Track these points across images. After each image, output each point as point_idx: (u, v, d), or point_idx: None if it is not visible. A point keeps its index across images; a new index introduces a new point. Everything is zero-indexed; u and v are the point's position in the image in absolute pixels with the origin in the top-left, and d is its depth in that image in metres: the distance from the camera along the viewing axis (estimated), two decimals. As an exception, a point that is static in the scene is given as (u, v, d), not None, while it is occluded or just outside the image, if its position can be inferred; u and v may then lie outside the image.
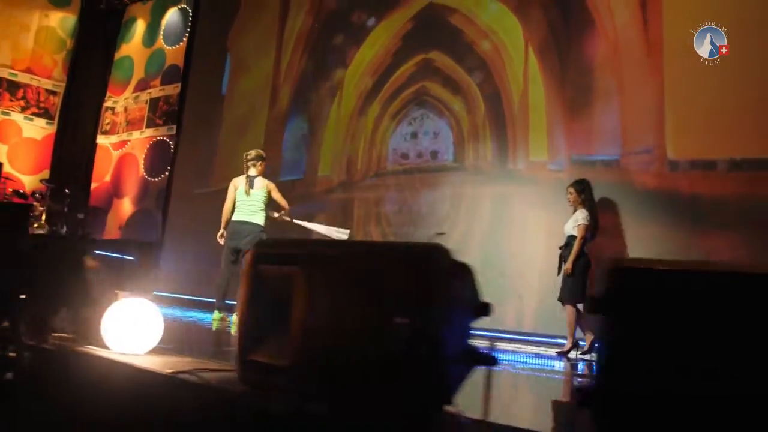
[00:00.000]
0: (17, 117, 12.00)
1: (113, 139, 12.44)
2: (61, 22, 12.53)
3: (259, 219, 6.26)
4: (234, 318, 6.00)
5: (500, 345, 6.78)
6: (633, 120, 6.56)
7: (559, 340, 6.20)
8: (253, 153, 6.48)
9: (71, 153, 12.46)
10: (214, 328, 5.96)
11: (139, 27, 12.59)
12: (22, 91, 12.06)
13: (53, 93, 12.41)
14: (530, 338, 6.74)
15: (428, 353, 1.66)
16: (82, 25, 12.68)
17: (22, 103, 12.01)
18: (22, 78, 12.09)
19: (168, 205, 11.06)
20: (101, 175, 12.43)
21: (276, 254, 1.90)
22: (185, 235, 10.67)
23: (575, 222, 6.08)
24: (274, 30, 10.19)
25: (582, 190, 6.17)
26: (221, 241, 6.37)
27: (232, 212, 6.32)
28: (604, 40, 6.83)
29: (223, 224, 6.37)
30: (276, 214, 6.52)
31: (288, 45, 9.95)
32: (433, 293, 1.75)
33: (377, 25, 8.85)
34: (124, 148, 12.16)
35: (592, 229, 6.07)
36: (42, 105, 12.27)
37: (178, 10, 11.87)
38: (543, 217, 6.91)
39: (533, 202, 7.07)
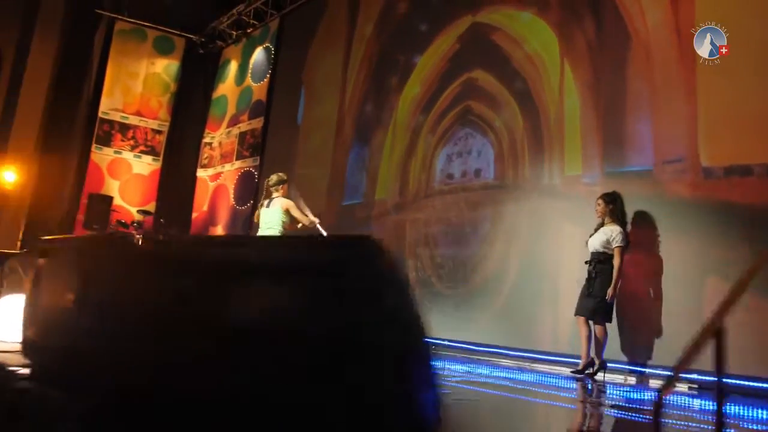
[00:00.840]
0: (128, 155, 13.35)
1: (210, 171, 13.45)
2: (166, 68, 13.84)
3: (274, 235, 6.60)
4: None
5: (537, 366, 6.60)
6: (665, 127, 6.21)
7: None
8: (274, 178, 6.86)
9: (174, 186, 13.62)
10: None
11: (233, 67, 13.60)
12: (131, 131, 13.41)
13: (159, 132, 13.68)
14: (567, 359, 6.50)
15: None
16: (184, 70, 13.92)
17: (131, 142, 13.33)
18: (132, 120, 13.46)
19: (252, 232, 11.75)
20: (200, 205, 13.46)
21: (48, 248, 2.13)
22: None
23: (608, 240, 5.77)
24: (341, 61, 10.65)
25: (611, 201, 5.88)
26: None
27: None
28: (635, 44, 6.55)
29: None
30: (301, 226, 6.82)
31: (352, 75, 10.36)
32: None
33: (425, 52, 9.02)
34: (218, 180, 13.11)
35: (626, 248, 5.77)
36: (149, 143, 13.57)
37: (263, 49, 12.72)
38: (577, 233, 6.65)
39: (569, 217, 6.85)
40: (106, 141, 13.21)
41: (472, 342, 7.45)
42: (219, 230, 12.70)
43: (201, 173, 13.70)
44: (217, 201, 12.98)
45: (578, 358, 6.00)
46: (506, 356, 6.96)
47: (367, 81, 10.06)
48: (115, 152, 13.27)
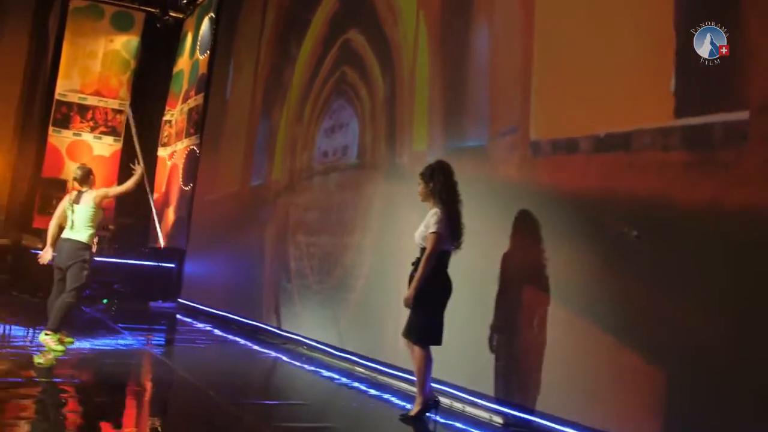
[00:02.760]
0: (88, 137, 13.08)
1: (169, 150, 12.98)
2: (125, 44, 13.39)
3: (81, 236, 5.90)
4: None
5: (392, 382, 5.66)
6: (501, 94, 5.02)
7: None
8: (79, 172, 6.16)
9: (136, 166, 13.23)
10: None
11: (189, 40, 12.97)
12: (91, 112, 13.10)
13: (119, 112, 13.30)
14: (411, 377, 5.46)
15: None
16: (144, 45, 13.42)
17: (91, 123, 13.04)
18: (91, 101, 13.15)
19: (191, 213, 11.21)
20: (160, 186, 13.04)
21: None
22: (200, 243, 10.75)
23: (426, 228, 4.42)
24: (257, 28, 9.76)
25: (430, 177, 4.50)
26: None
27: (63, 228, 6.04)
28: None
29: (49, 241, 6.09)
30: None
31: (263, 43, 9.46)
32: None
33: (315, 13, 7.98)
34: (172, 159, 12.62)
35: (450, 236, 4.41)
36: (110, 124, 13.23)
37: (208, 19, 11.99)
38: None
39: (415, 203, 5.75)
40: (64, 123, 12.98)
41: (331, 345, 6.57)
42: (171, 212, 12.24)
43: (161, 152, 13.27)
44: (171, 181, 12.52)
45: (435, 381, 4.84)
46: (360, 365, 6.03)
47: (274, 49, 9.14)
48: (74, 134, 13.02)
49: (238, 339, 7.78)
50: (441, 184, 4.47)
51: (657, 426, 3.48)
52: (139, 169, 6.43)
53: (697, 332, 3.36)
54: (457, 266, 4.55)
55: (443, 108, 5.57)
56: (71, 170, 12.10)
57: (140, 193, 12.66)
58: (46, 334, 5.68)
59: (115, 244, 12.07)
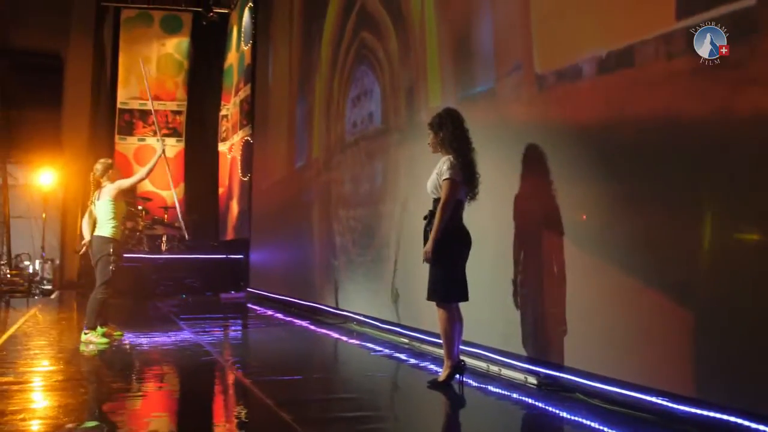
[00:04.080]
0: (152, 141, 13.46)
1: (228, 144, 13.17)
2: (177, 46, 13.67)
3: (104, 231, 5.95)
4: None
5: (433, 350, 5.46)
6: (504, 33, 4.64)
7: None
8: (99, 167, 6.15)
9: (200, 164, 13.55)
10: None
11: (234, 33, 13.06)
12: (152, 117, 13.45)
13: (179, 113, 13.62)
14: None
15: None
16: (194, 45, 13.65)
17: (153, 127, 13.40)
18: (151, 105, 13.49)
19: (251, 203, 11.31)
20: (224, 180, 13.28)
21: None
22: (261, 232, 10.84)
23: (438, 176, 4.10)
24: (287, 10, 9.64)
25: (440, 126, 4.18)
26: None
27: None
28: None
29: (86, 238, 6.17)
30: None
31: (294, 24, 9.33)
32: None
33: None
34: (231, 152, 12.80)
35: (465, 185, 4.07)
36: (171, 125, 13.57)
37: (248, 9, 12.01)
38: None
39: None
40: (128, 130, 13.43)
41: (377, 318, 6.39)
42: (234, 205, 12.43)
43: (221, 147, 13.48)
44: (233, 174, 12.70)
45: (469, 344, 4.59)
46: (404, 336, 5.83)
47: (302, 29, 8.98)
48: (139, 140, 13.45)
49: (295, 320, 7.76)
50: (451, 132, 4.16)
51: (687, 374, 3.07)
52: (155, 154, 6.46)
53: (726, 267, 2.91)
54: (475, 220, 4.24)
55: (452, 58, 5.23)
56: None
57: (205, 189, 13.04)
58: (85, 333, 5.82)
59: (185, 242, 12.38)
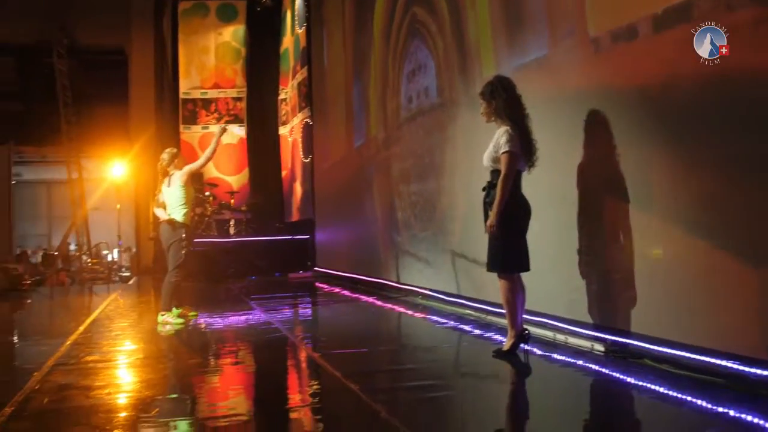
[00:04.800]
0: (215, 128, 13.77)
1: (288, 128, 13.39)
2: (233, 34, 13.93)
3: (175, 216, 6.17)
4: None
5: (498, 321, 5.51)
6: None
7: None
8: (165, 157, 6.36)
9: (262, 148, 13.85)
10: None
11: (288, 17, 13.20)
12: (213, 105, 13.82)
13: (239, 99, 13.92)
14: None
15: None
16: (250, 32, 13.88)
17: (216, 115, 13.76)
18: (212, 94, 13.87)
19: (313, 184, 11.49)
20: (286, 163, 13.52)
21: None
22: (325, 211, 11.02)
23: (495, 149, 4.07)
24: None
25: (491, 95, 4.12)
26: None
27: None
28: None
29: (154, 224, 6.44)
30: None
31: (345, 5, 9.36)
32: None
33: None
34: (292, 135, 13.01)
35: (523, 154, 4.03)
36: (232, 112, 13.89)
37: (301, -8, 12.11)
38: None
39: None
40: (192, 119, 13.82)
41: (442, 291, 6.44)
42: (298, 186, 12.66)
43: (282, 130, 13.72)
44: (294, 156, 12.92)
45: (534, 314, 4.61)
46: (470, 308, 5.87)
47: (354, 7, 9.01)
48: (203, 128, 13.83)
49: (361, 297, 7.90)
50: (503, 100, 4.12)
51: (760, 336, 3.00)
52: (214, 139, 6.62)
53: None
54: (535, 188, 4.22)
55: (504, 26, 5.17)
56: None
57: (269, 172, 13.32)
58: (162, 315, 6.10)
59: (252, 224, 12.71)
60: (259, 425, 3.09)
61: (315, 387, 3.84)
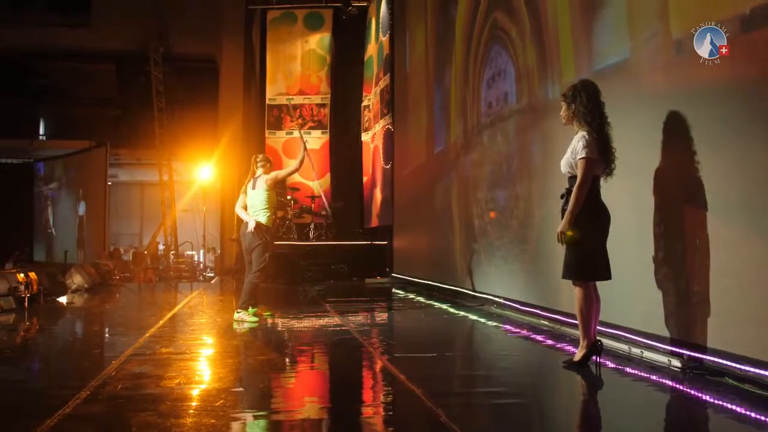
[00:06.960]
0: (299, 134, 14.11)
1: (370, 134, 13.52)
2: (319, 42, 14.22)
3: (259, 219, 6.33)
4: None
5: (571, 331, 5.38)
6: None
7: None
8: (261, 155, 6.62)
9: (344, 154, 14.05)
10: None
11: (373, 25, 13.36)
12: (298, 111, 14.14)
13: (323, 106, 14.18)
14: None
15: None
16: (336, 40, 14.14)
17: (300, 121, 14.06)
18: (297, 100, 14.19)
19: (393, 190, 11.54)
20: (367, 169, 13.65)
21: None
22: (403, 217, 11.04)
23: (573, 154, 3.99)
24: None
25: (572, 99, 4.04)
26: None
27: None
28: None
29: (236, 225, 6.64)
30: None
31: (429, 10, 9.37)
32: None
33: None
34: (373, 141, 13.12)
35: (601, 161, 3.93)
36: (316, 118, 14.17)
37: (385, 1, 12.22)
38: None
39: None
40: (277, 125, 14.19)
41: (517, 300, 6.31)
42: (378, 192, 12.75)
43: (364, 137, 13.86)
44: (375, 162, 13.02)
45: (607, 326, 4.46)
46: (544, 318, 5.74)
47: (437, 13, 9.00)
48: (287, 133, 14.17)
49: (435, 303, 7.85)
50: (584, 106, 4.02)
51: None
52: (301, 150, 6.80)
53: None
54: (613, 196, 4.08)
55: (585, 31, 5.03)
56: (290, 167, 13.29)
57: (350, 178, 13.49)
58: (238, 312, 6.27)
59: (331, 229, 12.89)
60: (313, 423, 3.11)
61: (377, 388, 3.84)
